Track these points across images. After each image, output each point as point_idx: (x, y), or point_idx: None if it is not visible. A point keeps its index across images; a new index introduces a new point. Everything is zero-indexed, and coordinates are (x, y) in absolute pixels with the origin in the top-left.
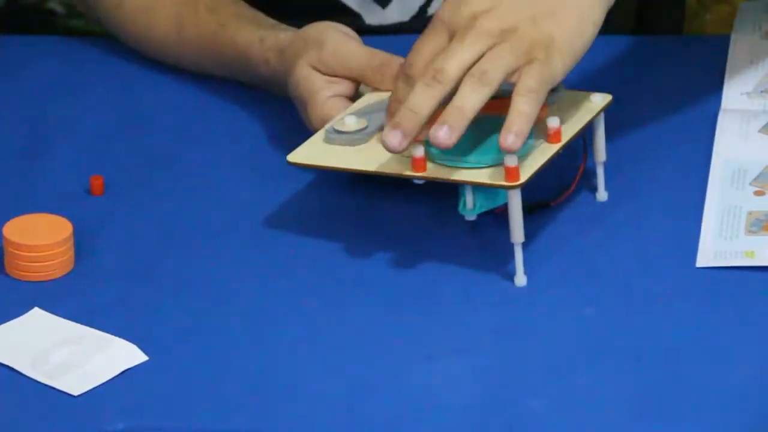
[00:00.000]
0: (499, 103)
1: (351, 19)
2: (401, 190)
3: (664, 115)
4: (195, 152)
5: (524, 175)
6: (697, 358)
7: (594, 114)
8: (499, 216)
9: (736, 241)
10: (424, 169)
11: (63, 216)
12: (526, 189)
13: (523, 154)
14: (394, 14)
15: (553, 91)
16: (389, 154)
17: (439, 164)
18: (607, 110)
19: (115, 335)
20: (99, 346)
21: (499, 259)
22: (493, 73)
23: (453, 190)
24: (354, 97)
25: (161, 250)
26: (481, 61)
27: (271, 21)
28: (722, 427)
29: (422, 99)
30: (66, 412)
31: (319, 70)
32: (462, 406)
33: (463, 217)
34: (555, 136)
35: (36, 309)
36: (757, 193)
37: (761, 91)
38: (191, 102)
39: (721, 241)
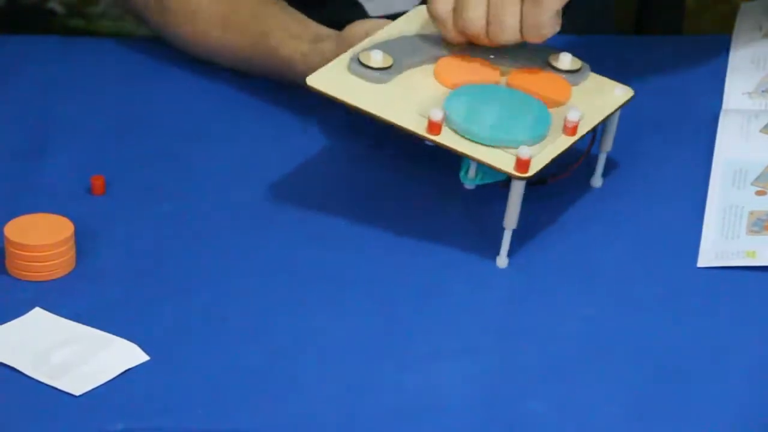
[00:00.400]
0: (525, 74)
1: (352, 9)
2: (400, 176)
3: (664, 115)
4: (195, 152)
5: (534, 168)
6: (697, 358)
7: (615, 109)
8: (499, 210)
9: (737, 241)
10: (439, 133)
11: (64, 216)
12: None
13: (536, 138)
14: (399, 3)
15: (578, 72)
16: (409, 106)
17: (454, 131)
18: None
19: (116, 335)
20: (100, 346)
21: (497, 259)
22: (506, 18)
23: (457, 163)
24: None
25: (162, 249)
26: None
27: (313, 28)
28: (722, 427)
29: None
30: (67, 412)
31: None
32: (462, 406)
33: (459, 218)
34: (572, 130)
35: (37, 309)
36: (759, 193)
37: (762, 91)
38: (192, 102)
39: (723, 241)
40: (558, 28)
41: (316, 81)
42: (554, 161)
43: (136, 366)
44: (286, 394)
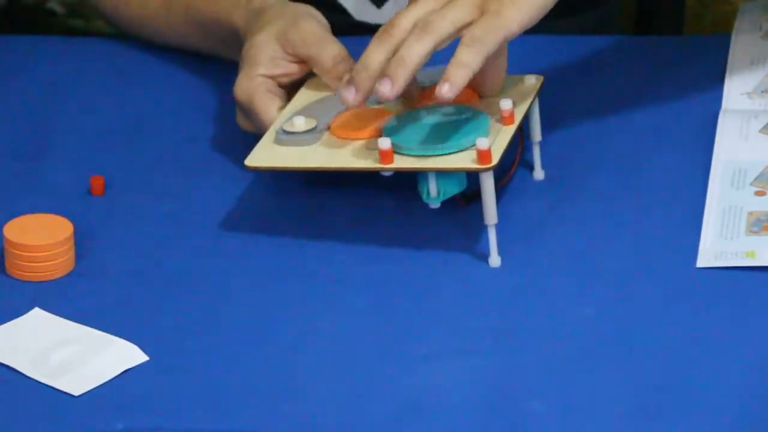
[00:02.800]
0: (430, 93)
1: (341, 16)
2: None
3: (664, 115)
4: (195, 152)
5: (495, 156)
6: (696, 358)
7: (533, 95)
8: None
9: (736, 242)
10: (392, 161)
11: (63, 216)
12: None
13: (484, 133)
14: (389, 14)
15: None
16: (353, 150)
17: (406, 155)
18: (608, 110)
19: (116, 335)
20: (99, 346)
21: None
22: (439, 22)
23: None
24: (291, 86)
25: (162, 250)
26: (429, 14)
27: None
28: (722, 427)
29: (373, 53)
30: (66, 412)
31: (279, 43)
32: (462, 406)
33: (460, 217)
34: (509, 118)
35: (36, 309)
36: (758, 194)
37: (762, 91)
38: (192, 102)
39: (722, 242)
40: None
41: (255, 160)
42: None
43: (136, 366)
44: (286, 394)
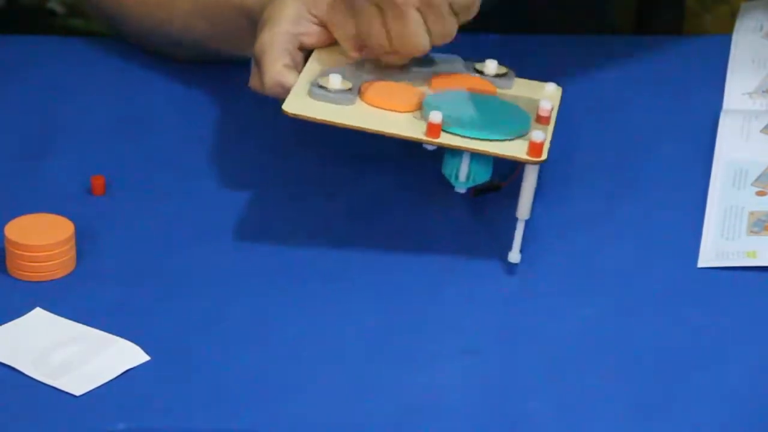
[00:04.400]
0: (449, 79)
1: None
2: (399, 176)
3: (664, 115)
4: (196, 152)
5: (545, 152)
6: (696, 359)
7: (559, 100)
8: (498, 210)
9: (737, 242)
10: (439, 136)
11: (64, 216)
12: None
13: (526, 127)
14: None
15: (504, 76)
16: (396, 117)
17: (452, 133)
18: (608, 110)
19: (117, 335)
20: (100, 346)
21: (498, 260)
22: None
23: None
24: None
25: (162, 250)
26: None
27: None
28: (722, 427)
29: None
30: (67, 412)
31: (305, 3)
32: (462, 406)
33: (460, 217)
34: (546, 119)
35: (38, 309)
36: (759, 194)
37: (763, 91)
38: (192, 102)
39: (723, 242)
40: (454, 28)
41: (294, 107)
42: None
43: (137, 366)
44: (286, 394)
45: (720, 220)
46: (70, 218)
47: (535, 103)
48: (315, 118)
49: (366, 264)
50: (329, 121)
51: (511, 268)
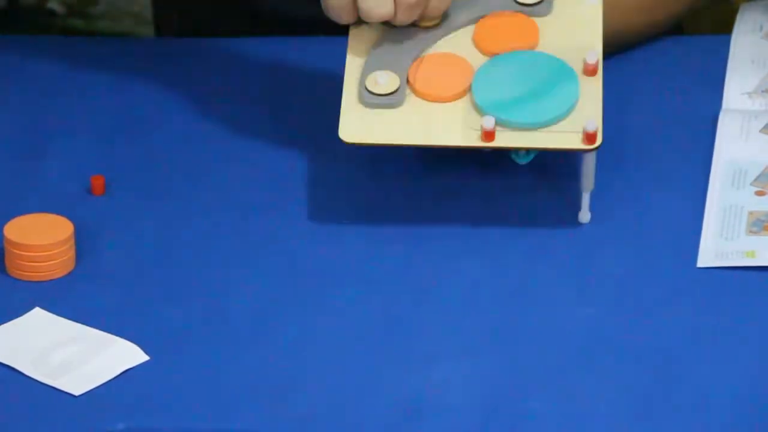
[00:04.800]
0: (519, 32)
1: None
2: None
3: (664, 115)
4: (195, 152)
5: (599, 137)
6: (696, 359)
7: (600, 16)
8: (497, 210)
9: (736, 241)
10: (494, 139)
11: (64, 216)
12: None
13: (570, 108)
14: None
15: (542, 3)
16: (446, 125)
17: (506, 129)
18: (608, 110)
19: (116, 335)
20: (100, 346)
21: (497, 260)
22: None
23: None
24: None
25: (162, 250)
26: None
27: None
28: (722, 427)
29: None
30: (67, 412)
31: None
32: (462, 406)
33: (459, 217)
34: (594, 70)
35: (37, 309)
36: (758, 194)
37: (762, 91)
38: (192, 102)
39: (722, 242)
40: None
41: (350, 135)
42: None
43: (136, 366)
44: (286, 394)
45: (719, 220)
46: (70, 218)
47: (580, 50)
48: (376, 143)
49: (366, 264)
50: (389, 144)
51: (511, 267)
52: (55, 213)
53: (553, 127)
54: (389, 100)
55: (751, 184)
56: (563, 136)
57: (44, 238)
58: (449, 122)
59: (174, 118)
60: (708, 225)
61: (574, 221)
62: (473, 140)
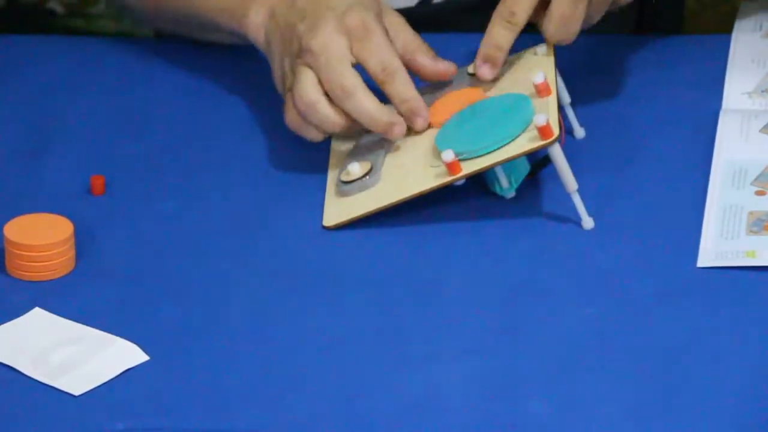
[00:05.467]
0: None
1: None
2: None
3: (664, 115)
4: (195, 152)
5: (555, 128)
6: (696, 358)
7: (553, 61)
8: (496, 210)
9: (737, 241)
10: (460, 170)
11: (64, 216)
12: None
13: (531, 114)
14: (400, 0)
15: None
16: (416, 174)
17: (469, 159)
18: (607, 110)
19: (116, 335)
20: (100, 345)
21: (498, 260)
22: (520, 15)
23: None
24: None
25: (162, 249)
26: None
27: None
28: (722, 427)
29: (503, 37)
30: (67, 412)
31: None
32: (462, 406)
33: (460, 217)
34: (546, 90)
35: (37, 309)
36: (758, 193)
37: (762, 91)
38: (191, 102)
39: (722, 241)
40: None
41: (331, 219)
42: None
43: (136, 366)
44: (286, 394)
45: (719, 220)
46: (70, 218)
47: (528, 81)
48: (353, 218)
49: (365, 263)
50: (366, 214)
51: (511, 267)
52: (55, 213)
53: (512, 142)
54: (362, 183)
55: (751, 184)
56: (521, 143)
57: (44, 238)
58: (417, 173)
59: (174, 118)
60: (708, 225)
61: (574, 221)
62: (441, 178)
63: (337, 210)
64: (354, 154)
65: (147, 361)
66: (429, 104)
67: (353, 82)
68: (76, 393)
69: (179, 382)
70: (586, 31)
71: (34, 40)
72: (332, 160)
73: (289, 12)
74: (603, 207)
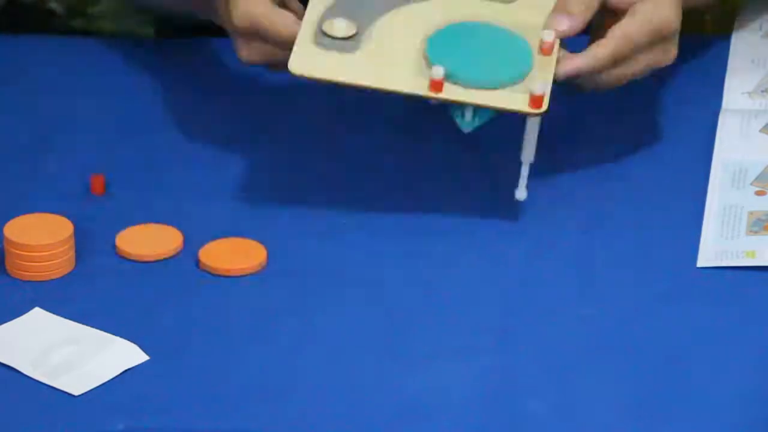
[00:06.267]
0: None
1: None
2: (398, 174)
3: (664, 115)
4: (196, 152)
5: (546, 103)
6: (697, 358)
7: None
8: (495, 208)
9: (736, 241)
10: (442, 90)
11: (63, 215)
12: None
13: (523, 74)
14: None
15: None
16: (398, 72)
17: (455, 84)
18: (607, 110)
19: (116, 335)
20: (99, 345)
21: (498, 260)
22: None
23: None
24: None
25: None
26: None
27: None
28: (722, 427)
29: None
30: (66, 412)
31: None
32: (462, 406)
33: (460, 217)
34: (548, 49)
35: (36, 309)
36: (758, 193)
37: (762, 91)
38: (192, 101)
39: (722, 241)
40: None
41: (300, 66)
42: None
43: (136, 366)
44: (286, 394)
45: (719, 220)
46: (70, 218)
47: (538, 32)
48: (321, 78)
49: (365, 263)
50: (335, 81)
51: (511, 267)
52: (55, 212)
53: (501, 90)
54: (343, 44)
55: (751, 184)
56: (510, 97)
57: (44, 237)
58: (400, 69)
59: (174, 118)
60: (708, 225)
61: (574, 222)
62: (421, 89)
63: (308, 60)
64: (341, 6)
65: (147, 361)
66: None
67: None
68: (76, 393)
69: (178, 382)
70: (587, 32)
71: (34, 40)
72: (314, 6)
73: None
74: (603, 206)
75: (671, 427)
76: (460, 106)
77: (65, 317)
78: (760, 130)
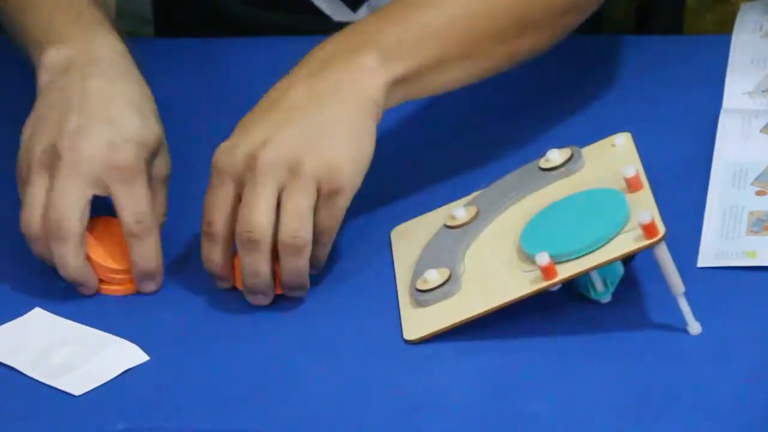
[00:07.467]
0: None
1: (320, 18)
2: (398, 174)
3: (664, 115)
4: (195, 151)
5: (661, 227)
6: (696, 358)
7: (636, 154)
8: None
9: (737, 241)
10: (557, 274)
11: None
12: None
13: (626, 218)
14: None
15: (571, 159)
16: (504, 282)
17: (562, 263)
18: (607, 111)
19: (117, 335)
20: (100, 346)
21: None
22: (303, 232)
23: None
24: None
25: (162, 249)
26: (285, 218)
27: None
28: (722, 427)
29: (256, 264)
30: (67, 412)
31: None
32: (462, 407)
33: None
34: (637, 183)
35: (37, 309)
36: (759, 193)
37: (762, 91)
38: (192, 102)
39: (723, 241)
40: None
41: (414, 333)
42: None
43: (136, 366)
44: (286, 394)
45: (720, 220)
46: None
47: (617, 174)
48: (440, 330)
49: (365, 263)
50: (454, 325)
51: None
52: None
53: (613, 242)
54: (443, 290)
55: (751, 184)
56: (624, 243)
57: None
58: (504, 278)
59: (174, 118)
60: (708, 225)
61: None
62: (533, 285)
63: (417, 322)
64: (426, 260)
65: (147, 361)
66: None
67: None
68: (76, 393)
69: (179, 382)
70: (586, 32)
71: None
72: (399, 267)
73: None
74: None
75: (671, 427)
76: (587, 279)
77: (65, 317)
78: (761, 130)
